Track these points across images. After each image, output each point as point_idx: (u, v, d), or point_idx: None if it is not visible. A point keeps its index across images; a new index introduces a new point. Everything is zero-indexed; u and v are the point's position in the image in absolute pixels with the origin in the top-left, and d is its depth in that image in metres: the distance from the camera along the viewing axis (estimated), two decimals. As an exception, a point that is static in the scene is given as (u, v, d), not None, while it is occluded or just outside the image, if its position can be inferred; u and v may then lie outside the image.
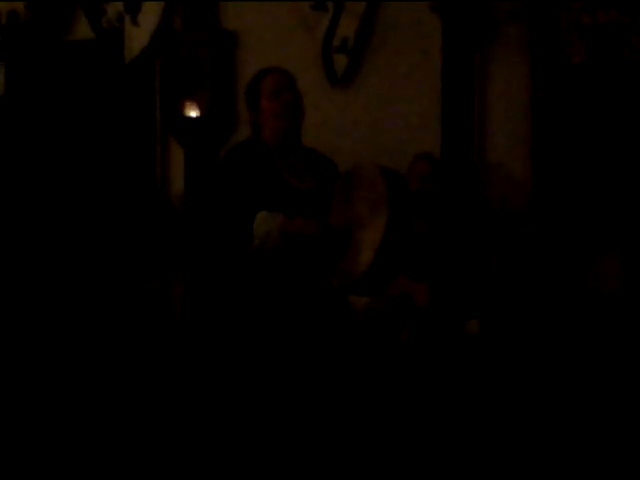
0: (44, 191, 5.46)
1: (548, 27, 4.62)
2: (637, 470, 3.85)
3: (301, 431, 3.46)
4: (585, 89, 4.60)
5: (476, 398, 3.94)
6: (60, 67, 5.54)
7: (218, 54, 5.17)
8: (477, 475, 3.87)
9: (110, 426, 4.45)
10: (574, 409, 4.03)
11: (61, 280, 5.20)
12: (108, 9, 5.38)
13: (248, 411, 3.45)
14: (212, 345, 3.60)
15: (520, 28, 4.68)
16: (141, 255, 5.11)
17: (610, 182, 4.57)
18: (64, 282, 5.19)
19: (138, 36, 5.30)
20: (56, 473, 4.16)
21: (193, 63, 5.16)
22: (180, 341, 4.62)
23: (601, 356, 4.11)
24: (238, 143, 3.67)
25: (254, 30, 5.17)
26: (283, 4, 5.07)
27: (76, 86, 5.51)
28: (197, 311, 4.49)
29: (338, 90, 5.03)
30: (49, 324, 5.08)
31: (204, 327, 3.60)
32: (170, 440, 4.20)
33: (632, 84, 4.52)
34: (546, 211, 4.66)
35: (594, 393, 4.03)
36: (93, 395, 4.68)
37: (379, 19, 4.95)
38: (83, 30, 5.49)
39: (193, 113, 5.08)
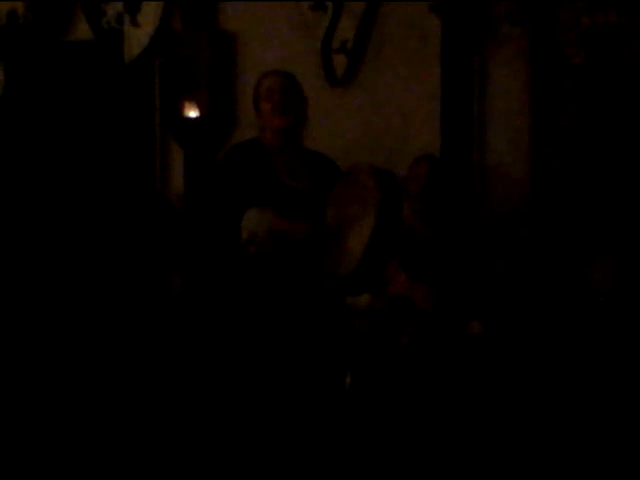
0: (44, 192, 5.46)
1: (547, 28, 4.62)
2: (637, 470, 3.85)
3: (299, 432, 3.46)
4: (584, 89, 4.61)
5: (478, 400, 3.94)
6: (60, 68, 5.53)
7: (217, 55, 5.17)
8: (479, 476, 3.87)
9: (110, 425, 4.45)
10: (575, 410, 4.03)
11: (60, 280, 5.20)
12: (107, 10, 5.37)
13: (245, 411, 3.45)
14: (209, 345, 3.60)
15: (520, 29, 4.68)
16: (141, 255, 5.10)
17: (609, 183, 4.58)
18: (63, 282, 5.19)
19: (138, 37, 5.30)
20: (56, 473, 4.16)
21: (192, 64, 5.16)
22: (179, 341, 4.62)
23: (600, 356, 4.11)
24: (237, 144, 3.70)
25: (253, 31, 5.16)
26: (282, 5, 5.07)
27: (76, 87, 5.51)
28: (196, 311, 4.49)
29: (337, 91, 5.03)
30: (48, 324, 5.07)
31: (202, 327, 3.60)
32: (169, 438, 4.20)
33: (631, 84, 4.52)
34: (545, 212, 4.67)
35: (594, 393, 4.03)
36: (92, 394, 4.68)
37: (378, 20, 4.95)
38: (83, 31, 5.48)
39: (192, 113, 5.08)
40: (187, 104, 5.11)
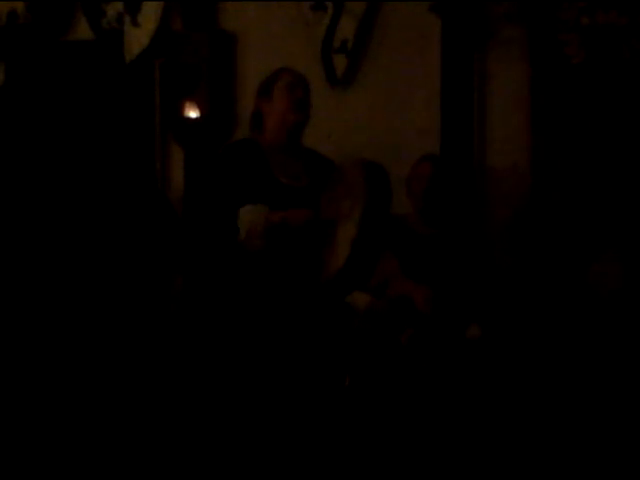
0: (44, 191, 5.46)
1: (547, 27, 4.62)
2: (637, 470, 3.85)
3: (299, 431, 3.47)
4: (585, 89, 4.61)
5: (476, 403, 3.94)
6: (60, 68, 5.53)
7: (217, 55, 5.17)
8: (479, 476, 3.87)
9: (110, 424, 4.45)
10: (575, 412, 4.03)
11: (60, 280, 5.20)
12: (108, 10, 5.37)
13: (245, 410, 3.45)
14: (209, 344, 3.60)
15: (519, 28, 4.68)
16: (141, 254, 5.10)
17: (610, 182, 4.58)
18: (63, 282, 5.19)
19: (138, 37, 5.29)
20: (56, 473, 4.16)
21: (193, 64, 5.16)
22: (179, 340, 4.62)
23: (601, 356, 4.11)
24: (231, 143, 3.71)
25: (254, 31, 5.16)
26: (282, 5, 5.07)
27: (76, 87, 5.51)
28: (196, 310, 4.49)
29: (338, 91, 5.03)
30: (48, 324, 5.07)
31: (201, 326, 3.61)
32: (169, 438, 4.20)
33: (631, 84, 4.52)
34: (546, 211, 4.66)
35: (595, 394, 4.03)
36: (92, 394, 4.68)
37: (379, 20, 4.95)
38: (83, 31, 5.48)
39: (193, 113, 5.08)
40: (187, 104, 5.11)
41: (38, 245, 5.28)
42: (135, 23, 5.29)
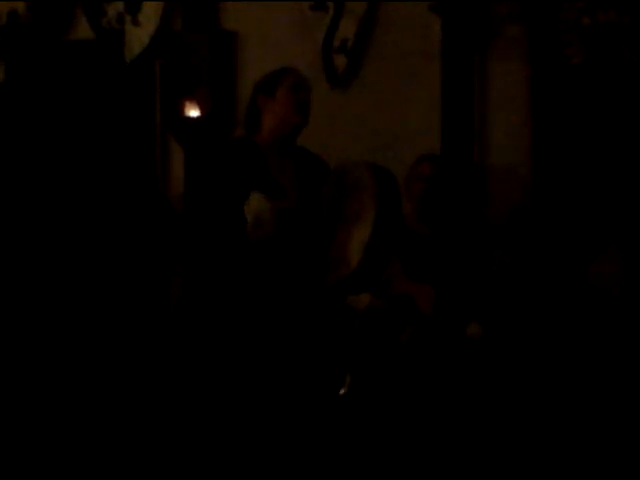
0: (44, 190, 5.47)
1: (548, 27, 4.62)
2: (637, 470, 3.85)
3: (299, 433, 3.47)
4: (585, 89, 4.60)
5: (476, 401, 3.94)
6: (60, 67, 5.53)
7: (218, 54, 5.17)
8: (478, 476, 3.88)
9: (110, 425, 4.45)
10: (576, 411, 4.03)
11: (60, 279, 5.20)
12: (108, 9, 5.38)
13: (244, 409, 3.45)
14: (209, 344, 3.60)
15: (520, 28, 4.67)
16: (141, 255, 5.11)
17: (610, 181, 4.57)
18: (63, 281, 5.19)
19: (138, 36, 5.30)
20: (56, 473, 4.16)
21: (193, 63, 5.16)
22: (179, 340, 4.62)
23: (603, 356, 4.11)
24: (228, 141, 3.68)
25: (254, 31, 5.17)
26: (283, 5, 5.07)
27: (76, 87, 5.51)
28: (195, 311, 4.48)
29: (338, 91, 5.03)
30: (48, 325, 5.08)
31: (201, 326, 3.61)
32: (169, 438, 4.20)
33: (632, 84, 4.52)
34: (547, 211, 4.66)
35: (596, 394, 4.03)
36: (91, 394, 4.68)
37: (379, 20, 4.95)
38: (83, 30, 5.49)
39: (193, 113, 5.08)
40: (187, 104, 5.11)
41: (37, 244, 5.29)
42: (136, 23, 5.30)
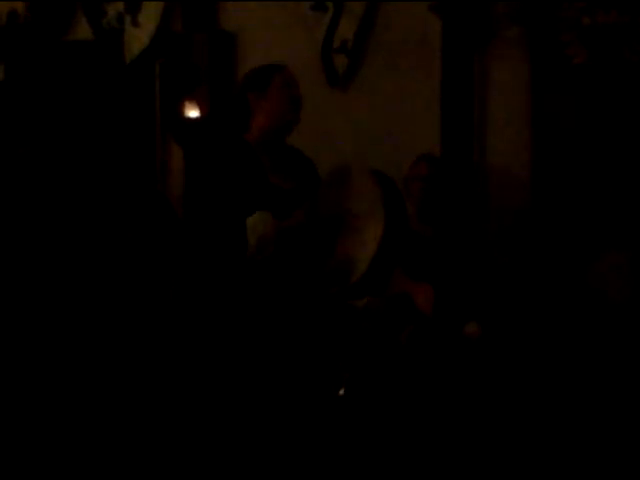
0: (44, 190, 5.46)
1: (548, 28, 4.61)
2: (637, 470, 3.84)
3: (298, 432, 3.46)
4: (586, 90, 4.60)
5: (475, 401, 3.94)
6: (60, 68, 5.53)
7: (218, 55, 5.17)
8: (477, 476, 3.87)
9: (109, 425, 4.45)
10: (574, 412, 4.02)
11: (59, 280, 5.20)
12: (108, 10, 5.38)
13: (243, 410, 3.45)
14: (207, 343, 3.60)
15: (520, 29, 4.67)
16: (141, 257, 5.10)
17: (611, 182, 4.57)
18: (62, 282, 5.19)
19: (138, 37, 5.30)
20: (56, 473, 4.16)
21: (193, 64, 5.16)
22: (178, 343, 4.62)
23: (603, 358, 4.10)
24: (223, 140, 3.64)
25: (254, 31, 5.16)
26: (283, 5, 5.07)
27: (76, 87, 5.51)
28: (193, 313, 4.48)
29: (338, 91, 5.03)
30: (48, 325, 5.07)
31: (200, 326, 3.61)
32: (168, 439, 4.20)
33: (633, 84, 4.51)
34: (547, 212, 4.66)
35: (596, 395, 4.03)
36: (90, 394, 4.68)
37: (379, 20, 4.95)
38: (83, 31, 5.49)
39: (193, 114, 5.08)
40: (187, 104, 5.11)
41: (37, 244, 5.28)
42: (135, 23, 5.30)
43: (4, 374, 4.81)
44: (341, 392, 3.76)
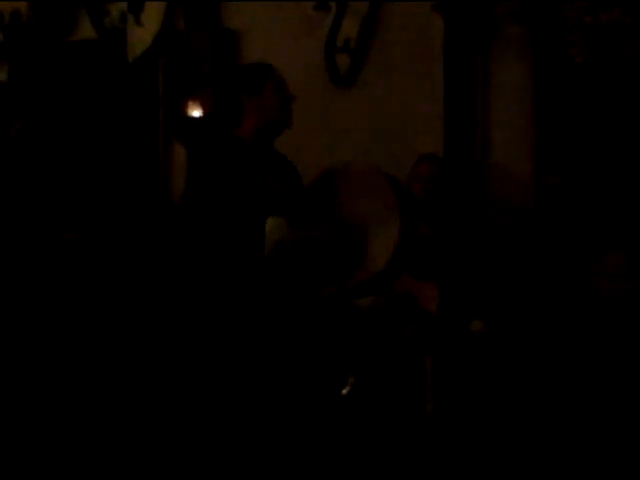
0: (47, 190, 5.47)
1: (551, 27, 4.61)
2: (637, 470, 3.85)
3: (301, 432, 3.46)
4: (588, 88, 4.60)
5: (479, 399, 3.94)
6: (63, 67, 5.53)
7: (221, 54, 5.17)
8: (479, 475, 3.87)
9: (107, 426, 4.46)
10: (577, 410, 4.03)
11: (60, 280, 5.20)
12: (111, 9, 5.38)
13: (246, 409, 3.45)
14: (209, 343, 3.60)
15: (522, 28, 4.67)
16: (143, 256, 5.11)
17: (614, 181, 4.57)
18: (63, 282, 5.19)
19: (141, 36, 5.30)
20: (56, 473, 4.16)
21: (195, 63, 5.16)
22: (180, 342, 4.62)
23: (605, 357, 4.10)
24: (216, 141, 3.63)
25: (256, 30, 5.17)
26: (286, 4, 5.07)
27: (79, 86, 5.51)
28: (193, 310, 4.48)
29: (341, 90, 5.03)
30: (47, 326, 5.08)
31: (201, 326, 3.61)
32: (168, 440, 4.20)
33: (635, 83, 4.51)
34: (549, 211, 4.66)
35: (598, 394, 4.03)
36: (89, 395, 4.68)
37: (382, 19, 4.95)
38: (86, 30, 5.49)
39: (196, 113, 5.09)
40: (190, 103, 5.11)
41: (35, 242, 5.29)
42: (138, 22, 5.30)
43: (4, 374, 4.82)
44: (344, 391, 3.76)
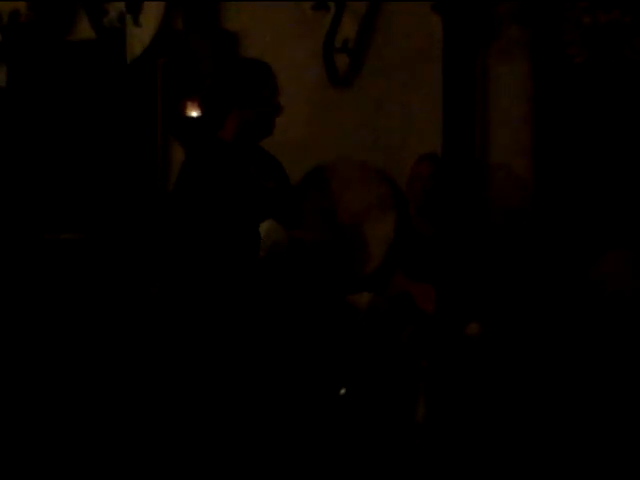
0: (45, 190, 5.47)
1: (550, 27, 4.61)
2: (637, 470, 3.84)
3: (299, 432, 3.46)
4: (587, 89, 4.60)
5: (475, 401, 3.94)
6: (61, 67, 5.53)
7: (219, 54, 5.17)
8: (478, 476, 3.87)
9: (106, 425, 4.46)
10: (576, 411, 4.02)
11: (56, 280, 5.20)
12: (110, 9, 5.38)
13: (246, 409, 3.45)
14: (206, 344, 3.60)
15: (522, 28, 4.67)
16: (141, 257, 5.10)
17: (612, 181, 4.57)
18: (60, 282, 5.19)
19: (140, 36, 5.29)
20: (56, 473, 4.16)
21: (194, 63, 5.16)
22: (176, 342, 4.62)
23: (604, 357, 4.10)
24: (206, 144, 3.63)
25: (255, 30, 5.16)
26: (284, 4, 5.07)
27: (77, 86, 5.51)
28: (187, 310, 4.48)
29: (339, 90, 5.03)
30: (46, 326, 5.08)
31: (196, 327, 3.61)
32: (168, 440, 4.20)
33: (634, 84, 4.51)
34: (548, 211, 4.66)
35: (597, 395, 4.02)
36: (89, 395, 4.68)
37: (381, 19, 4.95)
38: (85, 30, 5.48)
39: (194, 113, 5.09)
40: (189, 104, 5.11)
41: (34, 244, 5.29)
42: (137, 23, 5.29)
43: (4, 374, 4.81)
44: (342, 391, 3.76)
